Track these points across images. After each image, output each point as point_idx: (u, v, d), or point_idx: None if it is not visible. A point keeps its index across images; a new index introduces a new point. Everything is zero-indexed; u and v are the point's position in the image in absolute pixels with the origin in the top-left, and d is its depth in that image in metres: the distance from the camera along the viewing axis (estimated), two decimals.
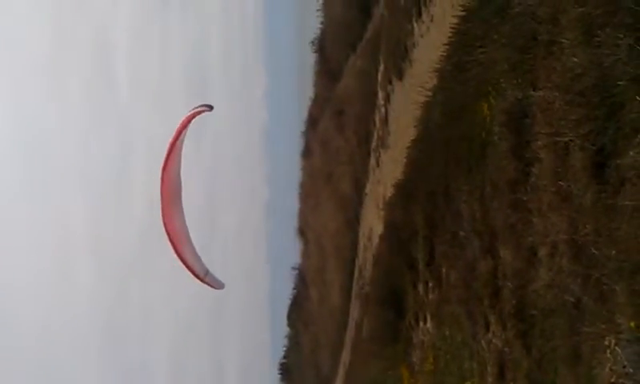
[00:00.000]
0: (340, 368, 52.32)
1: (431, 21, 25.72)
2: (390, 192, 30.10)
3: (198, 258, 21.13)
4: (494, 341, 14.86)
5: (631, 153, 8.52)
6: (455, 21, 18.73)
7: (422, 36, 27.57)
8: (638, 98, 8.44)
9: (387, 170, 33.46)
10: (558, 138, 10.67)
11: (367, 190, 42.92)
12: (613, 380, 8.96)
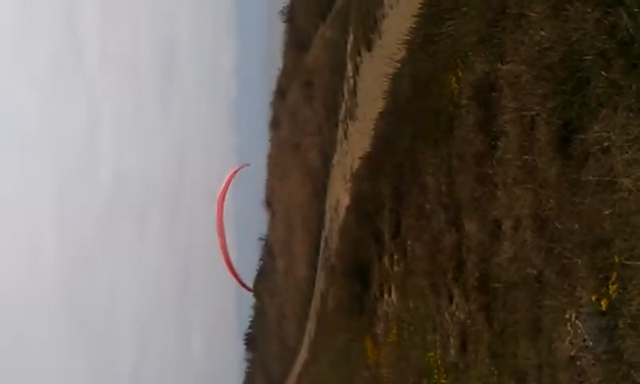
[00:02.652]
0: (305, 339, 52.59)
1: None
2: (357, 164, 30.10)
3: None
4: (456, 313, 14.96)
5: (596, 128, 8.53)
6: None
7: (391, 7, 27.45)
8: (603, 73, 8.44)
9: (355, 142, 33.43)
10: (524, 112, 10.66)
11: (334, 162, 42.90)
12: (573, 353, 9.03)
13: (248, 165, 57.38)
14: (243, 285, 60.81)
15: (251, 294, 74.97)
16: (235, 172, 51.01)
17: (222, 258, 50.21)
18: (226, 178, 50.08)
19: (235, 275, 54.38)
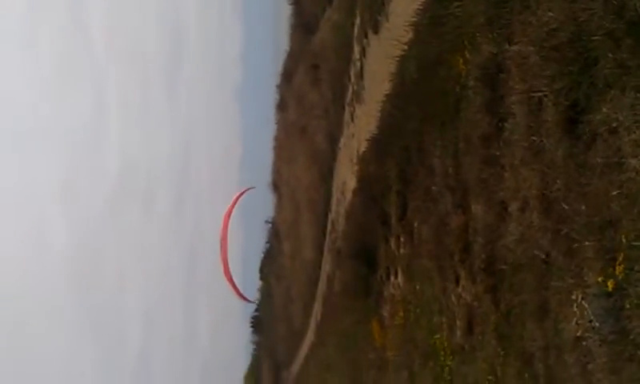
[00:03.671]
0: (311, 321, 52.73)
1: None
2: (363, 147, 30.07)
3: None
4: (463, 295, 14.98)
5: (604, 109, 8.50)
6: None
7: None
8: (611, 54, 8.39)
9: (361, 125, 33.36)
10: (531, 94, 10.62)
11: (341, 145, 42.84)
12: (579, 334, 9.05)
13: (254, 188, 60.42)
14: (243, 297, 61.43)
15: (252, 301, 75.66)
16: (242, 193, 53.17)
17: (223, 270, 51.73)
18: (233, 199, 51.86)
19: (235, 287, 55.42)
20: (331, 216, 46.29)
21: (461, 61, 14.79)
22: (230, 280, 53.98)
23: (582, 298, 8.88)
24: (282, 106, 69.97)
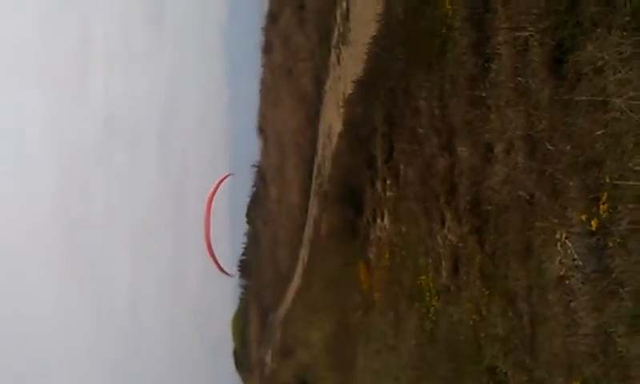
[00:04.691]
0: (298, 265, 52.97)
1: None
2: (350, 89, 29.90)
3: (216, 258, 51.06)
4: (448, 236, 15.07)
5: (589, 47, 8.46)
6: None
7: None
8: None
9: (348, 67, 33.12)
10: (517, 33, 10.56)
11: (327, 87, 42.57)
12: (562, 273, 9.14)
13: (233, 174, 63.73)
14: (223, 271, 63.83)
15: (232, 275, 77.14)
16: (222, 179, 56.37)
17: (205, 245, 55.86)
18: (215, 184, 55.00)
19: (216, 261, 58.72)
20: (317, 160, 46.20)
21: (447, 1, 14.65)
22: (212, 256, 57.60)
23: (566, 238, 8.95)
24: (267, 49, 69.16)
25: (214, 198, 54.44)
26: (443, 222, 15.49)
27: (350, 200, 26.71)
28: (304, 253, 50.50)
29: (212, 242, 56.35)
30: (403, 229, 19.19)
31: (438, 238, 15.81)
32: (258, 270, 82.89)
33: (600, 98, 8.21)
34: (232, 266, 77.92)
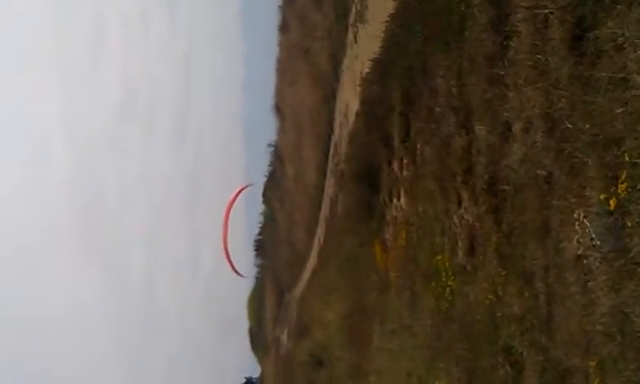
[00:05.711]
0: (314, 244, 53.09)
1: None
2: (367, 68, 29.76)
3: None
4: (465, 216, 15.01)
5: (610, 24, 8.35)
6: None
7: None
8: None
9: (365, 46, 32.94)
10: (537, 10, 10.44)
11: (344, 66, 42.43)
12: (580, 253, 9.08)
13: (252, 184, 64.67)
14: (237, 272, 64.69)
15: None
16: (241, 190, 56.63)
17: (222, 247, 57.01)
18: (233, 195, 55.18)
19: (231, 263, 60.00)
20: (334, 138, 46.15)
21: None
22: (228, 258, 58.48)
23: (584, 217, 8.88)
24: (284, 28, 68.94)
25: (233, 205, 55.15)
26: (460, 202, 15.41)
27: (367, 179, 26.65)
28: (320, 232, 50.60)
29: (229, 248, 57.39)
30: (420, 208, 19.14)
31: (455, 217, 15.75)
32: (274, 250, 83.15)
33: (620, 76, 8.11)
34: (246, 269, 78.60)
